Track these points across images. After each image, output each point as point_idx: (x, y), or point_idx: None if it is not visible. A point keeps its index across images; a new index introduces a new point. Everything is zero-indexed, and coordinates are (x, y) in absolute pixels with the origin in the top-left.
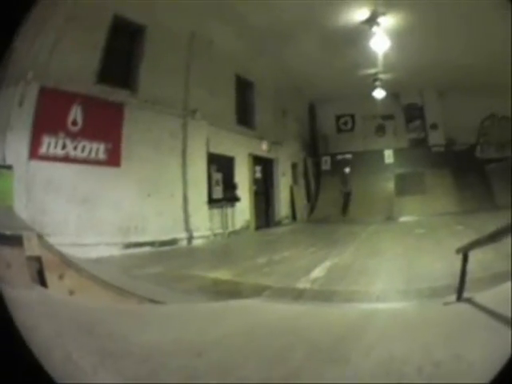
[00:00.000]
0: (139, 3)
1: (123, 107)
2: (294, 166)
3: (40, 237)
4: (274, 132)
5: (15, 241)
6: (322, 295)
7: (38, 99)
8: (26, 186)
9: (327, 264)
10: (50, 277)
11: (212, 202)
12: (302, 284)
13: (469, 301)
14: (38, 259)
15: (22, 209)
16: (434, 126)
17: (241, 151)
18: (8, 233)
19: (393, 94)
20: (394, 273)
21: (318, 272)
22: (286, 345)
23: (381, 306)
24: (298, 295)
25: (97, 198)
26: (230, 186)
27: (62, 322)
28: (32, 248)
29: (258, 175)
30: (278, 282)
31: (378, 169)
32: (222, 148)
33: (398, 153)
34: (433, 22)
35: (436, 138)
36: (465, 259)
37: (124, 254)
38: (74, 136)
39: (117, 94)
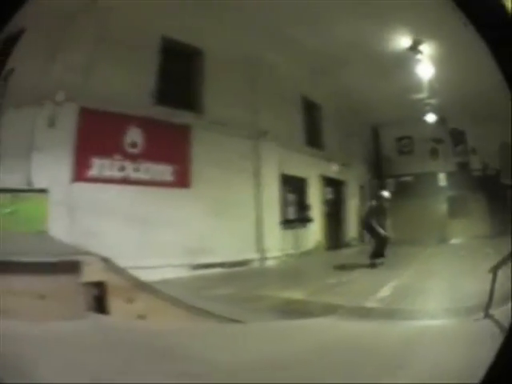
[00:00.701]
0: (185, 26)
1: (190, 129)
2: (361, 188)
3: (106, 260)
4: (341, 154)
5: (57, 268)
6: (387, 313)
7: (80, 120)
8: (68, 210)
9: (392, 284)
10: (115, 302)
11: (285, 222)
12: (371, 303)
13: (492, 317)
14: (99, 285)
15: (62, 233)
16: (474, 151)
17: (312, 172)
18: (45, 260)
19: (441, 119)
20: (443, 293)
21: (384, 292)
22: (357, 359)
23: (431, 322)
24: (367, 314)
25: (162, 220)
26: (302, 206)
27: (128, 349)
28: (92, 273)
29: (329, 196)
30: (349, 301)
31: (432, 191)
32: (294, 169)
33: (448, 176)
34: (468, 51)
35: (475, 163)
36: (494, 278)
37: (192, 275)
38: (134, 158)
39: (181, 116)
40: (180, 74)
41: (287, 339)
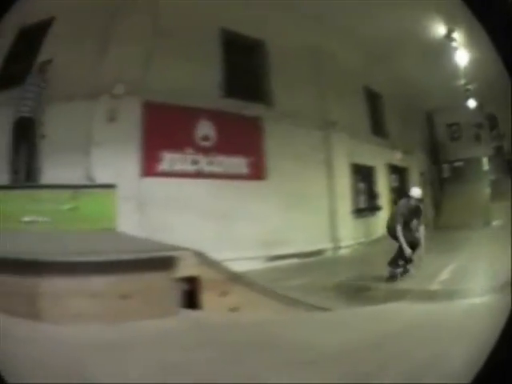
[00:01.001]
0: (244, 18)
1: (261, 121)
2: (421, 175)
3: (200, 254)
4: (402, 141)
5: (144, 265)
6: (448, 294)
7: (144, 114)
8: (137, 205)
9: (450, 267)
10: (209, 296)
11: (356, 211)
12: (435, 286)
13: None
14: (190, 279)
15: (132, 229)
16: (504, 135)
17: (378, 161)
18: (130, 258)
19: (480, 104)
20: (492, 272)
21: (444, 275)
22: (431, 335)
23: (480, 299)
24: (433, 295)
25: (238, 212)
26: (372, 195)
27: (228, 343)
28: (186, 268)
29: (394, 184)
30: (417, 285)
31: (478, 176)
32: (363, 158)
33: (488, 160)
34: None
35: (506, 147)
36: None
37: (268, 267)
38: (206, 151)
39: (251, 108)
40: (244, 66)
41: (371, 323)
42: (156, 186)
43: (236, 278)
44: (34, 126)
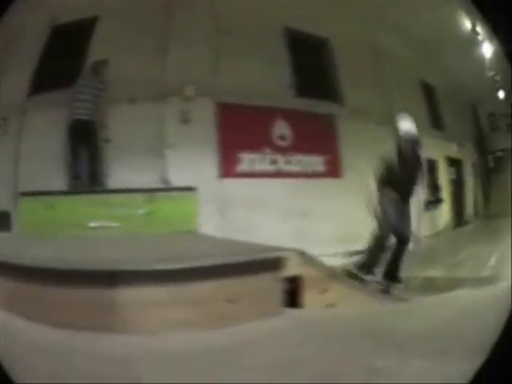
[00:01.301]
0: (305, 17)
1: (334, 119)
2: (473, 166)
3: (302, 253)
4: (456, 133)
5: (250, 267)
6: (495, 279)
7: (219, 115)
8: (218, 207)
9: (496, 255)
10: (310, 294)
11: None
12: (486, 272)
13: None
14: (292, 279)
15: (214, 231)
16: None
17: (439, 154)
18: (235, 261)
19: (507, 94)
20: None
21: (491, 261)
22: (483, 313)
23: None
24: (485, 282)
25: (316, 210)
26: (434, 188)
27: (331, 337)
28: (290, 268)
29: (452, 176)
30: (471, 273)
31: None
32: (426, 152)
33: None
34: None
35: None
36: None
37: (345, 262)
38: (284, 150)
39: (323, 107)
40: (311, 64)
41: (440, 309)
42: (236, 186)
43: (334, 275)
44: (95, 129)
